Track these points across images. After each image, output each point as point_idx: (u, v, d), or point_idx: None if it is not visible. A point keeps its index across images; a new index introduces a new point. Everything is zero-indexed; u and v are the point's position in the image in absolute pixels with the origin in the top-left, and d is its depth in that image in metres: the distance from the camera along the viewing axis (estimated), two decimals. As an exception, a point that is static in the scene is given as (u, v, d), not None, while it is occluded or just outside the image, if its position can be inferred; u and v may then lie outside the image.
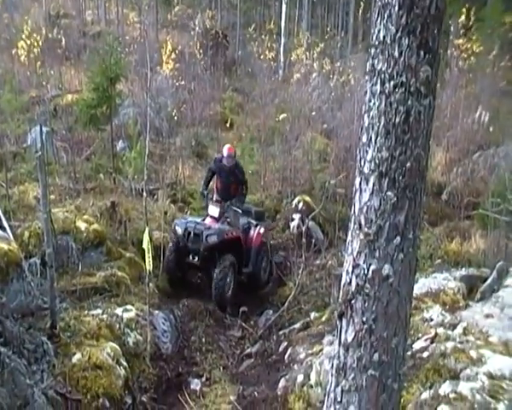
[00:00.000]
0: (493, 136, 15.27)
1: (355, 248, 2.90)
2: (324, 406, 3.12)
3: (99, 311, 7.57)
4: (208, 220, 10.30)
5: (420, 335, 5.57)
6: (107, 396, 6.08)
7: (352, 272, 2.91)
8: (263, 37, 23.77)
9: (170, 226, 11.21)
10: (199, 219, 10.33)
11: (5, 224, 8.33)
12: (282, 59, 25.68)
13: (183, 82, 17.29)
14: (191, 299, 9.76)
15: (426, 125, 2.75)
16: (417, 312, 6.12)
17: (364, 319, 2.87)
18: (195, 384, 7.55)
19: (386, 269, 2.79)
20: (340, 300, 3.01)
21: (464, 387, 4.37)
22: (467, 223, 11.91)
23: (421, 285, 6.86)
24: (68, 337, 6.67)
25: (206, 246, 9.58)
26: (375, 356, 2.87)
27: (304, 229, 9.80)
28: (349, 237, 2.96)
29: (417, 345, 5.40)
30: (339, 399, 3.00)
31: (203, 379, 7.74)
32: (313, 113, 17.05)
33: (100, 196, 11.27)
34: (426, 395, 4.50)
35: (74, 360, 6.28)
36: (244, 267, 10.47)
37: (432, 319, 5.86)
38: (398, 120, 2.69)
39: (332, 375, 3.07)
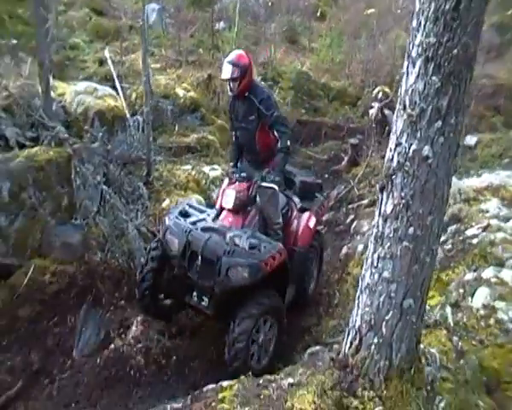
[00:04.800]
0: None
1: (398, 128, 2.68)
2: (363, 269, 3.01)
3: (189, 167, 7.61)
4: (224, 215, 4.93)
5: (473, 223, 5.21)
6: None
7: (395, 149, 2.71)
8: None
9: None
10: (209, 211, 5.08)
11: (118, 85, 8.46)
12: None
13: None
14: None
15: (477, 13, 2.42)
16: (475, 203, 5.71)
17: (403, 194, 2.69)
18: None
19: (426, 150, 2.59)
20: (382, 174, 2.82)
21: (507, 274, 4.15)
22: (546, 125, 10.84)
23: (484, 179, 6.28)
24: (160, 185, 6.83)
25: (226, 288, 4.36)
26: (410, 230, 2.72)
27: (381, 116, 9.12)
28: (394, 117, 2.74)
29: (469, 232, 5.06)
30: (375, 264, 2.88)
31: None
32: (399, 10, 15.64)
33: (199, 68, 11.00)
34: (469, 276, 4.30)
35: (164, 204, 6.34)
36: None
37: (488, 211, 5.43)
38: (447, 6, 2.38)
39: (371, 242, 2.93)
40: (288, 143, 4.91)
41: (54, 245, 5.33)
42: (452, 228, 5.26)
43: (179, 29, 12.63)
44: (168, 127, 8.69)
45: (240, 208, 4.88)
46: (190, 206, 5.16)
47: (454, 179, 6.11)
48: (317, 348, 4.30)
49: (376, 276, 2.86)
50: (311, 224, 5.49)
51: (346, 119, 12.39)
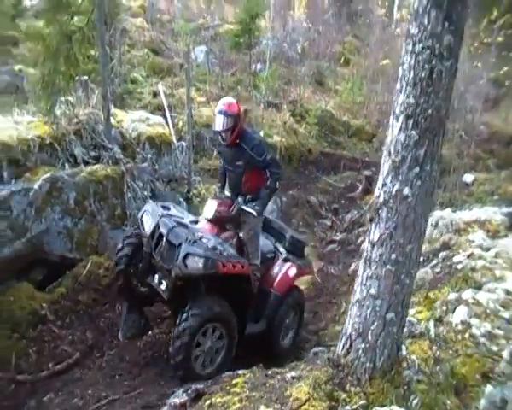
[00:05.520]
0: None
1: (385, 170, 2.84)
2: (355, 285, 3.18)
3: None
4: (202, 224, 4.69)
5: (460, 251, 5.31)
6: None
7: (382, 188, 2.86)
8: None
9: (287, 134, 11.04)
10: (190, 216, 4.89)
11: (167, 115, 8.70)
12: (395, 15, 23.48)
13: (310, 25, 16.80)
14: (295, 190, 9.73)
15: (447, 82, 2.62)
16: (464, 233, 5.83)
17: (387, 226, 2.85)
18: (289, 253, 7.55)
19: (406, 191, 2.75)
20: (372, 208, 2.98)
21: (483, 296, 4.24)
22: (530, 170, 10.85)
23: (473, 213, 6.35)
24: (198, 201, 7.05)
25: (181, 273, 4.04)
26: (393, 256, 2.87)
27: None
28: (382, 161, 2.90)
29: (456, 258, 5.15)
30: (364, 282, 3.04)
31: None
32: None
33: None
34: (452, 296, 4.39)
35: None
36: (251, 322, 4.73)
37: (473, 241, 5.50)
38: (423, 75, 2.60)
39: (361, 264, 3.10)
40: (277, 184, 4.70)
41: (108, 245, 5.62)
42: (442, 254, 5.35)
43: (222, 68, 12.95)
44: (208, 152, 8.95)
45: (218, 221, 4.62)
46: (175, 206, 4.94)
47: (449, 212, 6.34)
48: (320, 348, 4.46)
49: (365, 292, 3.02)
50: (291, 273, 5.12)
51: (362, 153, 12.51)
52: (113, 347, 4.76)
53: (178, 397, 3.59)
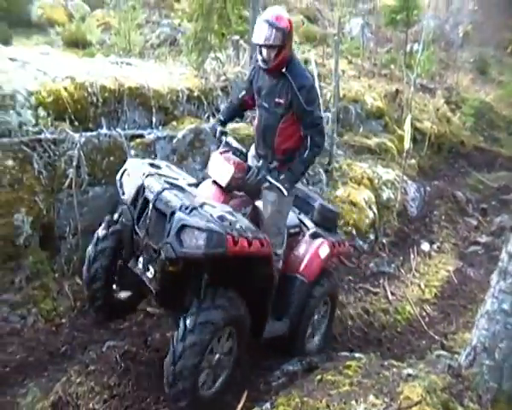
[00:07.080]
0: None
1: None
2: (486, 295, 2.96)
3: (366, 165, 7.55)
4: (205, 187, 3.43)
5: None
6: (355, 227, 6.27)
7: None
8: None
9: (439, 122, 10.22)
10: (190, 179, 3.64)
11: (317, 84, 8.37)
12: None
13: (477, 7, 15.67)
14: (441, 182, 9.16)
15: None
16: None
17: None
18: (425, 246, 7.23)
19: None
20: None
21: None
22: None
23: None
24: (338, 176, 6.87)
25: (174, 254, 2.76)
26: None
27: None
28: None
29: None
30: (496, 294, 2.83)
31: (434, 246, 7.35)
32: None
33: (389, 81, 10.86)
34: None
35: (338, 192, 6.53)
36: (270, 321, 3.54)
37: None
38: None
39: (496, 274, 2.88)
40: (315, 158, 3.53)
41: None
42: None
43: (377, 44, 12.62)
44: (354, 128, 8.69)
45: (231, 189, 3.39)
46: (169, 165, 3.72)
47: None
48: (444, 352, 4.24)
49: (496, 305, 2.82)
50: (322, 253, 3.89)
51: (523, 154, 11.31)
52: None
53: (292, 365, 3.72)
